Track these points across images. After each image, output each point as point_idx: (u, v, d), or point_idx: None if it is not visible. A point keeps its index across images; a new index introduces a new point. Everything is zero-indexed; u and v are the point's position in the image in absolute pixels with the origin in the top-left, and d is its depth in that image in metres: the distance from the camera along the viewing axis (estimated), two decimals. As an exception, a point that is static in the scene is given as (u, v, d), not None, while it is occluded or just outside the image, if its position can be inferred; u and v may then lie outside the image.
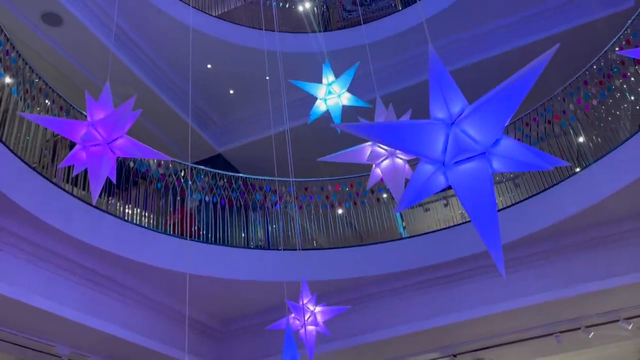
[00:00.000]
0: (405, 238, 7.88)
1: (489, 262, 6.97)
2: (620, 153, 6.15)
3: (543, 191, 6.91)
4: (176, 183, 7.62)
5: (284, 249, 7.34)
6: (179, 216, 7.58)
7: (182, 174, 7.79)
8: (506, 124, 1.73)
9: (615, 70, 6.90)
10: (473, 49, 9.80)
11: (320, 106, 4.95)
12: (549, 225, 6.63)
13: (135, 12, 8.80)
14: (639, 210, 6.51)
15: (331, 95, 4.91)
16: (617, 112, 7.52)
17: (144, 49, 9.49)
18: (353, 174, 8.33)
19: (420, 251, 7.29)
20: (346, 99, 4.89)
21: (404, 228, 9.07)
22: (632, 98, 7.14)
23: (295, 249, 7.11)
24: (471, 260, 7.09)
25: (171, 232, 7.29)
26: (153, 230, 6.86)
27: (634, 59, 6.64)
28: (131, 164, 7.27)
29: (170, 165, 7.69)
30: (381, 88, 9.21)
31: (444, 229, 7.57)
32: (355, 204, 8.23)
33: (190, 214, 8.05)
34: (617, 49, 6.90)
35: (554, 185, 6.83)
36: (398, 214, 8.87)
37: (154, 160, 7.61)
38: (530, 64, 1.62)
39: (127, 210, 7.56)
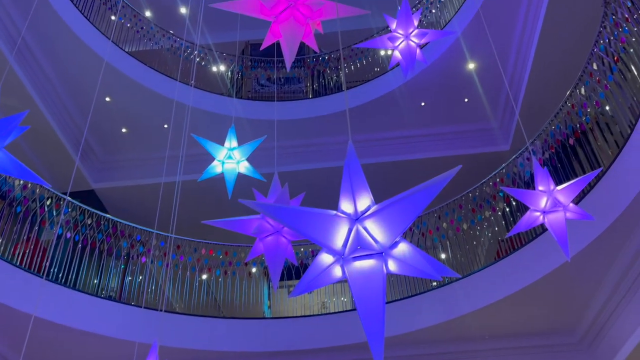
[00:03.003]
0: (270, 318, 7.71)
1: (346, 357, 7.00)
2: (481, 277, 6.66)
3: (405, 298, 7.19)
4: (39, 211, 6.94)
5: (145, 307, 6.84)
6: (31, 247, 6.84)
7: (48, 202, 7.14)
8: (406, 229, 1.81)
9: (487, 202, 7.62)
10: (370, 151, 10.36)
11: (217, 167, 4.87)
12: (407, 332, 6.84)
13: (46, 28, 8.33)
14: (493, 332, 6.95)
15: (230, 160, 4.87)
16: (482, 239, 8.22)
17: (41, 63, 8.91)
18: (229, 242, 8.15)
19: (282, 334, 7.14)
20: (244, 167, 4.86)
21: (269, 307, 8.92)
22: (497, 229, 7.87)
23: (153, 309, 6.65)
24: (329, 352, 7.07)
25: (18, 263, 6.50)
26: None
27: (504, 196, 7.40)
28: (-7, 179, 6.56)
29: (37, 191, 7.03)
30: (280, 165, 9.35)
31: (309, 316, 7.55)
32: (225, 273, 7.97)
33: (44, 248, 7.31)
34: (491, 183, 7.67)
35: (416, 294, 7.14)
36: (265, 293, 8.74)
37: (19, 180, 6.93)
38: (434, 178, 1.75)
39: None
